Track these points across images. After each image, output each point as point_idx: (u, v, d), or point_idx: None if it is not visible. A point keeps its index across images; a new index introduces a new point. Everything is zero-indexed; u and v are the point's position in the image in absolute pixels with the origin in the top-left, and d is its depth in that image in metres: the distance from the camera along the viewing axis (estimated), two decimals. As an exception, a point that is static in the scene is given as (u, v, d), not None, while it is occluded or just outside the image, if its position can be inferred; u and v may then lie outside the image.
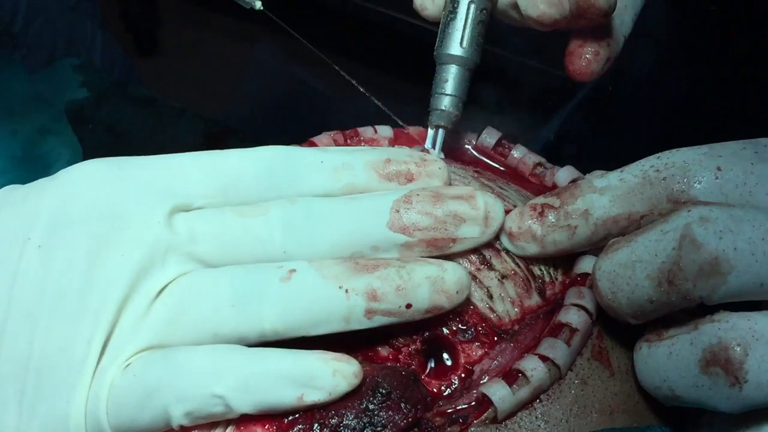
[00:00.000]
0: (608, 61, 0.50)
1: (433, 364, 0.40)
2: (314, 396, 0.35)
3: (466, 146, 0.53)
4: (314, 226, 0.38)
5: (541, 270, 0.42)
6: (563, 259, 0.43)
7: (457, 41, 0.48)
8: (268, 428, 0.36)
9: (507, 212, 0.41)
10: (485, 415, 0.37)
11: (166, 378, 0.35)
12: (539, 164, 0.51)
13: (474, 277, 0.40)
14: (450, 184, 0.42)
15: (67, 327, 0.36)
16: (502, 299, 0.41)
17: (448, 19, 0.49)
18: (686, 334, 0.35)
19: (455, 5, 0.49)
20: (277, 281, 0.37)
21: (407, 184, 0.40)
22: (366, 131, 0.53)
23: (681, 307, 0.35)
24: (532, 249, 0.41)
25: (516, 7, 0.48)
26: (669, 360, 0.36)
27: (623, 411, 0.40)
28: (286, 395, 0.35)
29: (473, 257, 0.41)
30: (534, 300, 0.41)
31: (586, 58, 0.49)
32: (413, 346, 0.40)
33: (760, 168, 0.36)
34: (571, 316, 0.39)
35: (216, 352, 0.36)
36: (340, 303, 0.37)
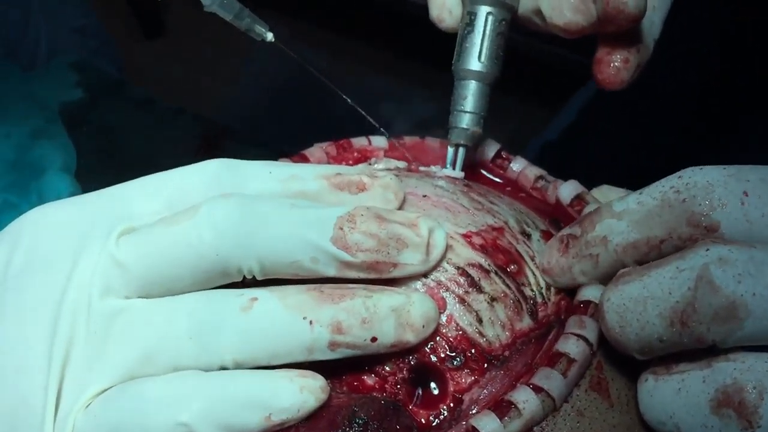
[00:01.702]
0: (638, 68, 0.48)
1: (420, 393, 0.38)
2: (282, 415, 0.34)
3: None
4: (253, 227, 0.36)
5: (533, 291, 0.40)
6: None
7: (475, 55, 0.46)
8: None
9: (467, 237, 0.40)
10: (475, 448, 0.35)
11: (128, 412, 0.34)
12: (540, 177, 0.49)
13: (462, 301, 0.39)
14: (403, 200, 0.40)
15: (20, 378, 0.35)
16: (492, 323, 0.39)
17: (466, 32, 0.47)
18: (698, 371, 0.33)
19: (472, 17, 0.47)
20: (237, 310, 0.35)
21: (359, 194, 0.39)
22: (359, 141, 0.51)
23: (692, 347, 0.33)
24: (564, 281, 0.40)
25: (539, 13, 0.46)
26: (678, 396, 0.34)
27: (621, 442, 0.38)
28: (252, 417, 0.34)
29: (461, 279, 0.39)
30: (525, 323, 0.39)
31: (616, 66, 0.47)
32: (400, 375, 0.38)
33: None
34: (570, 346, 0.37)
35: (177, 380, 0.35)
36: (304, 334, 0.35)
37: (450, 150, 0.48)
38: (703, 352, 0.34)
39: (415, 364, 0.38)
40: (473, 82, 0.46)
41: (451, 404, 0.38)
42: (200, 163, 0.39)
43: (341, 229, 0.36)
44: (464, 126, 0.47)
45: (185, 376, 0.35)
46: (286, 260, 0.36)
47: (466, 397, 0.38)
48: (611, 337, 0.36)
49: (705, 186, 0.35)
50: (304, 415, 0.35)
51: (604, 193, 0.48)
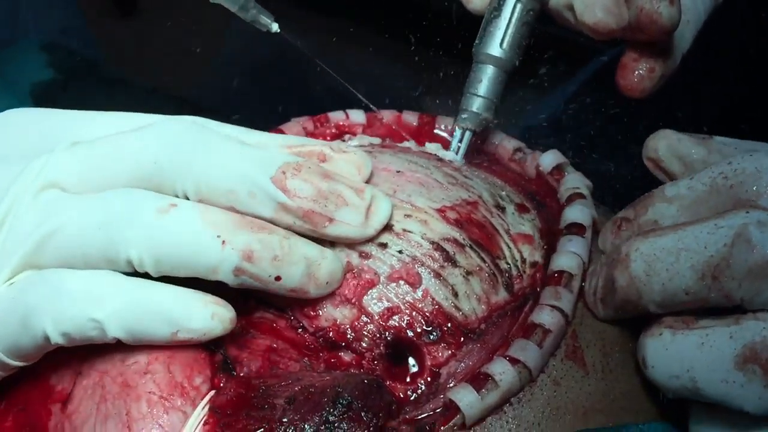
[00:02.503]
0: (662, 79, 0.47)
1: (398, 369, 0.38)
2: (188, 335, 0.36)
3: (440, 132, 0.50)
4: (197, 148, 0.36)
5: (508, 264, 0.40)
6: (530, 251, 0.41)
7: (498, 41, 0.46)
8: (226, 446, 0.34)
9: (442, 211, 0.40)
10: (453, 421, 0.36)
11: (46, 298, 0.35)
12: (518, 149, 0.49)
13: (438, 275, 0.39)
14: (370, 176, 0.40)
15: None
16: (468, 297, 0.39)
17: (492, 16, 0.46)
18: (725, 327, 0.34)
19: (501, 2, 0.46)
20: (153, 211, 0.36)
21: (321, 164, 0.39)
22: (336, 116, 0.51)
23: (714, 305, 0.34)
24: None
25: (571, 8, 0.45)
26: (700, 350, 0.34)
27: (598, 411, 0.38)
28: (160, 329, 0.35)
29: (436, 254, 0.39)
30: (501, 296, 0.39)
31: (639, 74, 0.46)
32: (377, 351, 0.38)
33: None
34: (545, 317, 0.38)
35: (97, 278, 0.36)
36: (213, 252, 0.35)
37: (456, 133, 0.47)
38: (726, 311, 0.34)
39: (391, 339, 0.38)
40: (491, 67, 0.46)
41: (429, 378, 0.38)
42: (176, 117, 0.39)
43: (284, 173, 0.36)
44: (474, 110, 0.46)
45: (106, 276, 0.36)
46: (222, 188, 0.36)
47: (444, 371, 0.38)
48: (630, 285, 0.36)
49: (753, 173, 0.35)
50: (208, 339, 0.36)
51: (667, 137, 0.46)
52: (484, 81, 0.46)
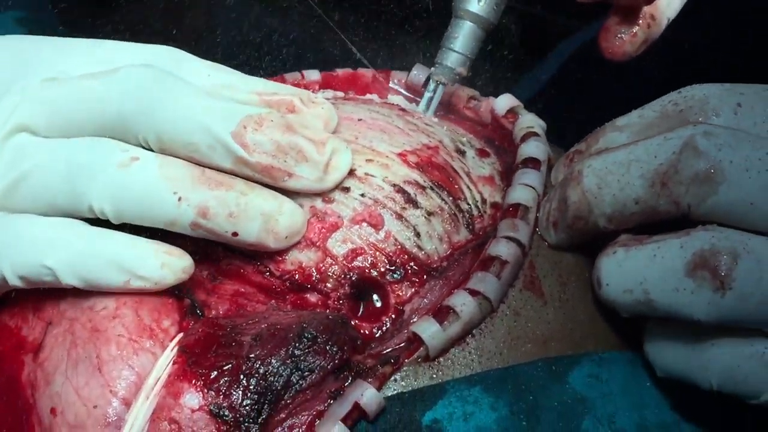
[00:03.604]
0: (645, 44, 0.48)
1: (363, 308, 0.39)
2: (140, 283, 0.37)
3: (395, 85, 0.51)
4: (159, 99, 0.37)
5: (468, 204, 0.41)
6: (490, 192, 0.42)
7: None
8: (195, 383, 0.35)
9: (403, 155, 0.40)
10: (417, 353, 0.37)
11: (6, 243, 0.36)
12: (472, 97, 0.50)
13: (400, 217, 0.40)
14: (335, 130, 0.41)
15: None
16: (430, 237, 0.40)
17: None
18: (676, 239, 0.35)
19: None
20: (114, 164, 0.37)
21: (287, 115, 0.40)
22: (292, 76, 0.52)
23: (662, 216, 0.35)
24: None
25: None
26: (652, 262, 0.35)
27: (558, 339, 0.39)
28: (113, 277, 0.37)
29: (398, 196, 0.40)
30: (462, 235, 0.40)
31: (620, 38, 0.47)
32: (342, 291, 0.39)
33: None
34: (501, 249, 0.39)
35: (54, 226, 0.37)
36: (169, 208, 0.36)
37: (429, 85, 0.48)
38: (676, 226, 0.35)
39: (356, 279, 0.39)
40: (468, 23, 0.46)
41: (393, 316, 0.39)
42: (153, 46, 0.40)
43: (245, 126, 0.37)
44: (449, 64, 0.47)
45: (62, 224, 0.37)
46: (182, 140, 0.37)
47: (407, 308, 0.39)
48: (582, 201, 0.37)
49: (701, 98, 0.37)
50: (160, 288, 0.37)
51: None
52: (460, 36, 0.47)
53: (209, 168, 0.38)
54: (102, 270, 0.36)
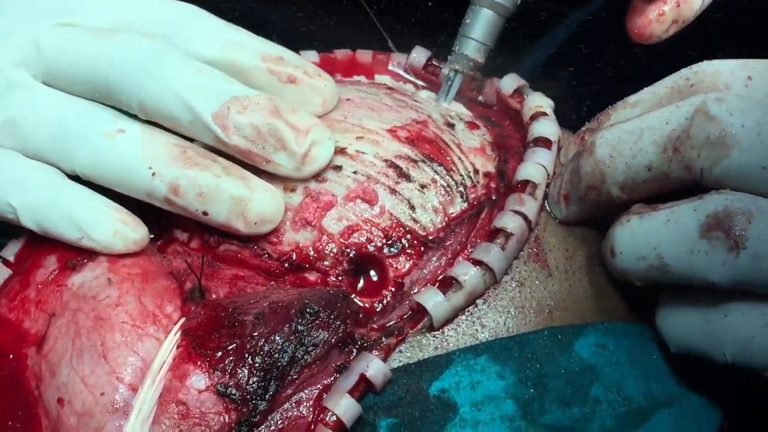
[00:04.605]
0: (674, 24, 0.45)
1: (362, 283, 0.39)
2: (91, 244, 0.38)
3: (395, 69, 0.51)
4: (147, 71, 0.38)
5: (461, 175, 0.42)
6: (482, 163, 0.43)
7: None
8: (200, 364, 0.35)
9: (392, 131, 0.41)
10: (421, 324, 0.37)
11: None
12: (474, 79, 0.49)
13: (393, 191, 0.40)
14: (334, 107, 0.42)
15: None
16: (425, 209, 0.40)
17: None
18: (689, 203, 0.35)
19: None
20: (101, 134, 0.38)
21: (287, 85, 0.40)
22: None
23: (674, 183, 0.35)
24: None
25: None
26: (665, 227, 0.35)
27: (563, 309, 0.39)
28: (67, 232, 0.38)
29: (390, 171, 0.40)
30: (457, 205, 0.41)
31: (648, 18, 0.45)
32: (340, 268, 0.39)
33: None
34: (507, 221, 0.39)
35: (28, 168, 0.39)
36: (144, 181, 0.38)
37: (445, 74, 0.47)
38: (689, 193, 0.35)
39: (354, 255, 0.39)
40: (485, 10, 0.45)
41: (393, 289, 0.39)
42: (174, 2, 0.41)
43: (228, 107, 0.38)
44: (466, 52, 0.46)
45: (38, 169, 0.39)
46: (164, 113, 0.38)
47: (407, 280, 0.39)
48: (595, 170, 0.37)
49: (713, 73, 0.37)
50: (111, 253, 0.39)
51: None
52: (478, 24, 0.46)
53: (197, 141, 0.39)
54: (58, 222, 0.38)
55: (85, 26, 0.40)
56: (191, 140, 0.40)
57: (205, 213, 0.38)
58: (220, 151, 0.39)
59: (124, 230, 0.38)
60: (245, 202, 0.38)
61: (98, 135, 0.38)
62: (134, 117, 0.39)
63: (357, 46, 0.52)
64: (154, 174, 0.37)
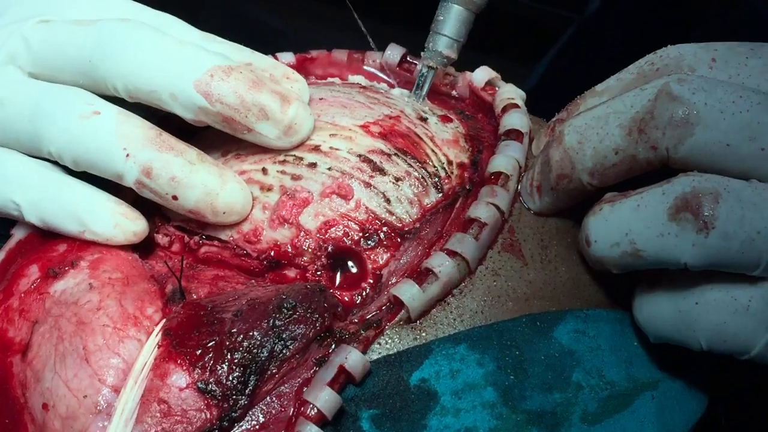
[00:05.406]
0: None
1: (341, 277, 0.40)
2: (93, 237, 0.40)
3: (369, 68, 0.51)
4: (128, 48, 0.39)
5: (435, 167, 0.42)
6: (456, 154, 0.43)
7: None
8: (181, 363, 0.35)
9: (365, 127, 0.42)
10: (399, 316, 0.37)
11: None
12: (447, 73, 0.50)
13: (368, 185, 0.40)
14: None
15: None
16: (400, 201, 0.40)
17: None
18: (657, 188, 0.35)
19: None
20: (75, 116, 0.39)
21: None
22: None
23: (642, 166, 0.35)
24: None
25: None
26: (636, 212, 0.35)
27: (540, 297, 0.39)
28: (69, 226, 0.39)
29: (364, 166, 0.41)
30: (432, 197, 0.41)
31: None
32: (319, 263, 0.39)
33: (753, 62, 0.36)
34: (480, 211, 0.39)
35: (29, 164, 0.40)
36: (117, 163, 0.38)
37: (419, 70, 0.47)
38: (662, 178, 0.35)
39: (331, 250, 0.39)
40: (456, 6, 0.46)
41: (371, 281, 0.39)
42: (147, 8, 0.43)
43: (212, 75, 0.38)
44: (439, 49, 0.46)
45: (37, 165, 0.40)
46: (146, 88, 0.39)
47: (385, 272, 0.39)
48: (565, 158, 0.38)
49: (677, 56, 0.38)
50: (111, 244, 0.40)
51: None
52: (449, 20, 0.46)
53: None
54: (60, 217, 0.39)
55: (68, 19, 0.41)
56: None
57: (175, 197, 0.39)
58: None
59: (124, 223, 0.39)
60: (216, 191, 0.39)
61: (73, 116, 0.39)
62: (114, 102, 0.40)
63: (341, 45, 0.52)
64: (128, 155, 0.38)
